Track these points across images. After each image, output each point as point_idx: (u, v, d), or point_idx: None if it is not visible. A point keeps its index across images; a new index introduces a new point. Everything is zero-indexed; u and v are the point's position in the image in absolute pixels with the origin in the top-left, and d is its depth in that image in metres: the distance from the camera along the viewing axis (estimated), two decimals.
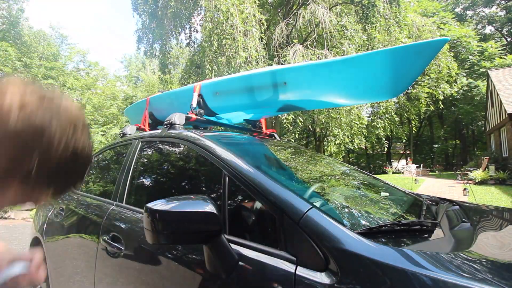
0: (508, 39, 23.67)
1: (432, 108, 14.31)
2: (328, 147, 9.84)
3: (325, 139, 10.61)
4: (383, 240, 0.94)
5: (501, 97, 12.92)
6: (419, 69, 1.49)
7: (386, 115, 11.14)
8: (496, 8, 24.00)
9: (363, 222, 1.13)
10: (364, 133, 10.38)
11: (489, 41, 20.49)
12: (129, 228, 1.45)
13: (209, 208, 0.87)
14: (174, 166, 1.62)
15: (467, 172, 11.94)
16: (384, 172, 20.42)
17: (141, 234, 1.32)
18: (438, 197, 1.81)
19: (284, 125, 9.97)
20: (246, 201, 1.32)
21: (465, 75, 18.28)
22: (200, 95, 2.02)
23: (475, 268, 0.76)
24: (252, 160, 1.27)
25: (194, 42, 13.82)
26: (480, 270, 0.75)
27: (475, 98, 18.20)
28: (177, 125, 1.69)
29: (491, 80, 14.67)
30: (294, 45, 9.76)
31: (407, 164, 20.39)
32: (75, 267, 1.73)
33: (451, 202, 1.67)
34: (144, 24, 13.18)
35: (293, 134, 10.84)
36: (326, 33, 9.69)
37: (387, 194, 1.60)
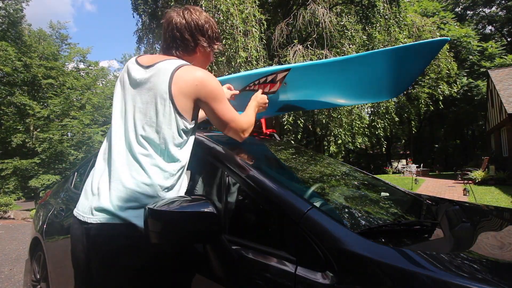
0: (508, 39, 23.66)
1: (432, 108, 14.33)
2: (328, 147, 9.85)
3: (325, 139, 10.61)
4: (383, 240, 0.94)
5: (501, 97, 12.92)
6: (420, 69, 1.49)
7: (386, 116, 11.13)
8: (496, 8, 24.00)
9: (363, 222, 1.13)
10: (366, 133, 10.38)
11: (489, 41, 20.48)
12: None
13: (209, 208, 0.87)
14: None
15: (467, 172, 11.93)
16: (384, 172, 20.41)
17: None
18: (438, 197, 1.81)
19: (285, 127, 9.96)
20: (246, 201, 1.31)
21: (465, 75, 18.28)
22: None
23: (475, 268, 0.76)
24: (252, 160, 1.26)
25: None
26: (480, 270, 0.75)
27: (475, 98, 18.20)
28: None
29: (492, 80, 14.67)
30: (294, 45, 9.76)
31: (407, 164, 20.35)
32: None
33: (451, 202, 1.67)
34: (144, 25, 13.15)
35: (293, 134, 10.84)
36: (326, 33, 9.69)
37: (387, 194, 1.60)
